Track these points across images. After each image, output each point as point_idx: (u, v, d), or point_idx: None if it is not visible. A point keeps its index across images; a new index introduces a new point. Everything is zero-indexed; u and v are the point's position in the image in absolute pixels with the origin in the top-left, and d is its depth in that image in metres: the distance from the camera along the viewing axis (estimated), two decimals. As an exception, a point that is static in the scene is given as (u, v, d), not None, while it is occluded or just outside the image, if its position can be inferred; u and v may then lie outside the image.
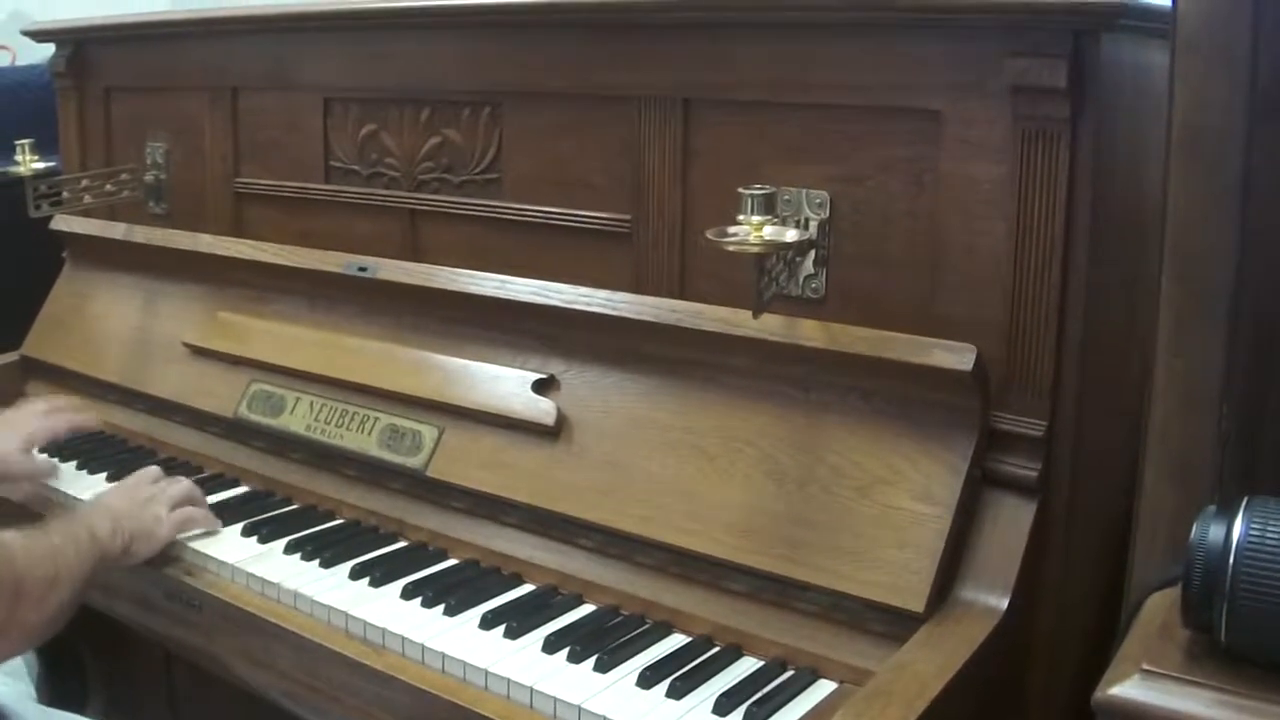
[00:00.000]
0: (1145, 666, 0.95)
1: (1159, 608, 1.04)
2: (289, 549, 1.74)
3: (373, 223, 2.11)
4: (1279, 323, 1.10)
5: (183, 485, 1.81)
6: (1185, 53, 1.08)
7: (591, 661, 1.44)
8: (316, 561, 1.70)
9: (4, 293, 2.52)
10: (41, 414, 2.06)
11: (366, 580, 1.64)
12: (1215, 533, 0.95)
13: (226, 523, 1.83)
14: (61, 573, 1.48)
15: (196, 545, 1.76)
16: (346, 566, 1.67)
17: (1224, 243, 1.07)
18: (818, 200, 1.59)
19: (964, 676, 1.30)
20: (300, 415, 1.97)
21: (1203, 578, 0.94)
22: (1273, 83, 1.05)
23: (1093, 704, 0.96)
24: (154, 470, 1.86)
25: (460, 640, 1.49)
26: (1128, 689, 0.94)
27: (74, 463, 2.10)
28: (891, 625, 1.41)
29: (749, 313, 1.49)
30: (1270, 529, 0.92)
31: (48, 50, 2.68)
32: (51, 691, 2.08)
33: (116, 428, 2.25)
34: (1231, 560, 0.93)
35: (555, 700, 1.38)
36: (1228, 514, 0.95)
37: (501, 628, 1.52)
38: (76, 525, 1.61)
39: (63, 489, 2.00)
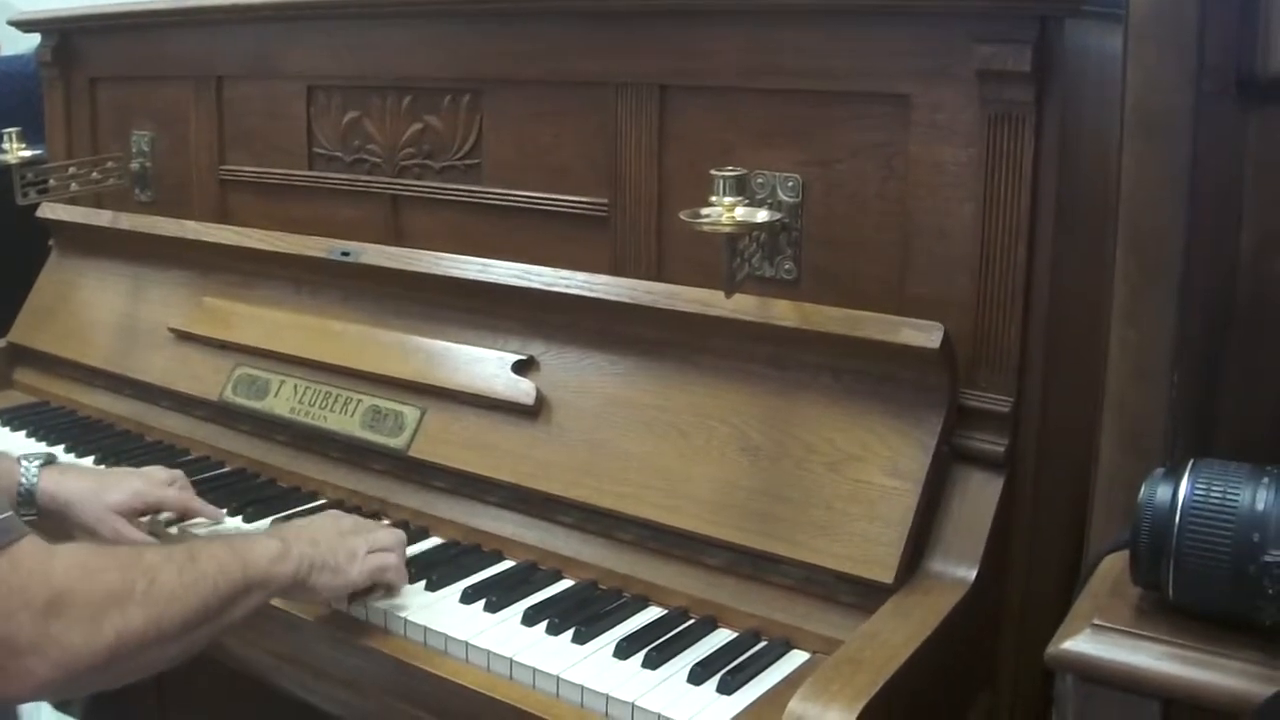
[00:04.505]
0: (1096, 621, 0.98)
1: (1111, 568, 1.07)
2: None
3: (356, 208, 2.13)
4: (1228, 295, 1.14)
5: (394, 534, 1.61)
6: (1137, 37, 1.12)
7: (570, 634, 1.47)
8: (300, 539, 1.72)
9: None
10: (161, 482, 1.78)
11: (350, 557, 1.67)
12: (1162, 493, 0.98)
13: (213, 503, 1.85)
14: (140, 590, 1.23)
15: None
16: (330, 544, 1.69)
17: (1175, 218, 1.11)
18: (790, 183, 1.62)
19: (932, 645, 1.34)
20: (284, 398, 2.00)
21: (1150, 537, 0.98)
22: (1220, 66, 1.09)
23: (1046, 658, 1.00)
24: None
25: (441, 614, 1.53)
26: (1079, 643, 0.98)
27: (62, 446, 2.13)
28: (862, 597, 1.45)
29: (723, 294, 1.52)
30: (1214, 489, 0.96)
31: (33, 40, 2.70)
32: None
33: (104, 413, 2.28)
34: (1177, 520, 0.96)
35: (534, 671, 1.41)
36: (1174, 476, 0.99)
37: (482, 602, 1.55)
38: (229, 544, 1.40)
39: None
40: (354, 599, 1.54)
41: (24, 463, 1.70)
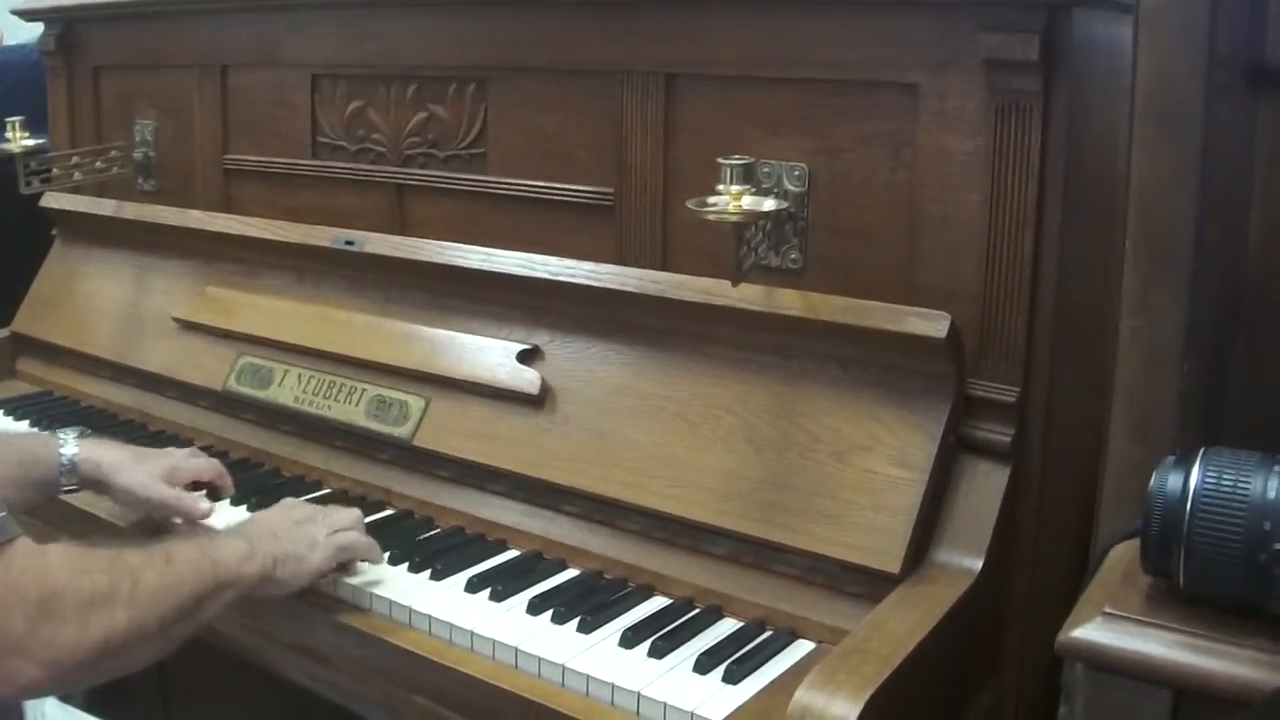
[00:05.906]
0: (1107, 610, 0.98)
1: (1122, 557, 1.07)
2: (278, 517, 1.76)
3: (360, 197, 2.13)
4: (1238, 284, 1.14)
5: (350, 512, 1.62)
6: (1148, 27, 1.12)
7: (575, 623, 1.47)
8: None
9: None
10: (187, 456, 1.85)
11: (355, 546, 1.67)
12: (1173, 482, 0.98)
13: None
14: (124, 591, 1.27)
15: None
16: (335, 533, 1.69)
17: (1186, 208, 1.11)
18: (797, 172, 1.62)
19: (938, 635, 1.34)
20: (289, 387, 2.00)
21: (1161, 525, 0.98)
22: (1231, 56, 1.09)
23: (1056, 646, 1.00)
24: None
25: (446, 603, 1.53)
26: (1089, 631, 0.98)
27: (74, 432, 2.12)
28: (868, 587, 1.44)
29: (729, 283, 1.52)
30: (1225, 477, 0.96)
31: (36, 29, 2.70)
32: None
33: (108, 402, 2.29)
34: (1188, 508, 0.96)
35: (540, 660, 1.41)
36: (1185, 464, 0.99)
37: (487, 591, 1.55)
38: (198, 545, 1.43)
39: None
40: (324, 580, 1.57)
41: (61, 435, 1.77)
